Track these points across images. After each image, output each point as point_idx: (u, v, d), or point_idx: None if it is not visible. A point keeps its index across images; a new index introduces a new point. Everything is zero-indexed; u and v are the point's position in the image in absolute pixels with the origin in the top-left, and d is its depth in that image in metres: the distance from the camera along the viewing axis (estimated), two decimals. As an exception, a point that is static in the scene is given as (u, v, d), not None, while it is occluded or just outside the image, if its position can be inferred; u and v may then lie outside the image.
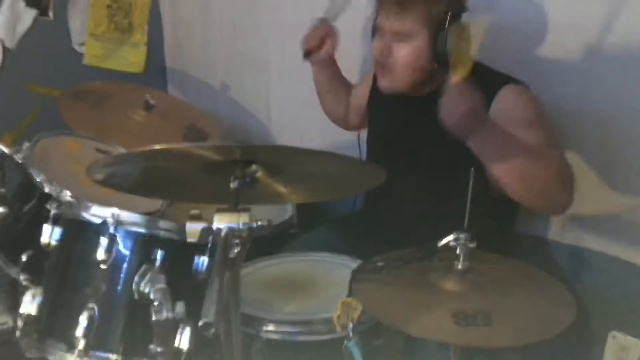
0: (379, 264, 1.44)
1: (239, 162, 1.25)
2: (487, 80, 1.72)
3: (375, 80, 1.91)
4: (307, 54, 2.08)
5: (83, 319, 1.42)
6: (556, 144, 1.71)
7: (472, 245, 1.36)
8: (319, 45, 2.07)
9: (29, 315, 1.48)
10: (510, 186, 1.55)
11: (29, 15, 2.78)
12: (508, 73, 1.79)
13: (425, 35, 1.71)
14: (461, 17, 1.73)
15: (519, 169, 1.53)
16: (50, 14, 2.85)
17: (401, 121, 1.90)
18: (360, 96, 2.12)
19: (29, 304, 1.49)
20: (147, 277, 1.44)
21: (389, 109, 1.94)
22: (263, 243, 1.71)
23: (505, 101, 1.69)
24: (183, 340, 1.40)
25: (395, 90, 1.81)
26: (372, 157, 2.04)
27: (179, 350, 1.40)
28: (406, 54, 1.74)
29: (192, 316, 1.42)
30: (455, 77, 1.49)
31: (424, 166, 1.84)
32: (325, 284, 1.68)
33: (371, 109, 2.07)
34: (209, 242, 1.37)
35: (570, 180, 1.61)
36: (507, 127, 1.57)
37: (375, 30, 1.80)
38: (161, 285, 1.42)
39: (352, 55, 2.29)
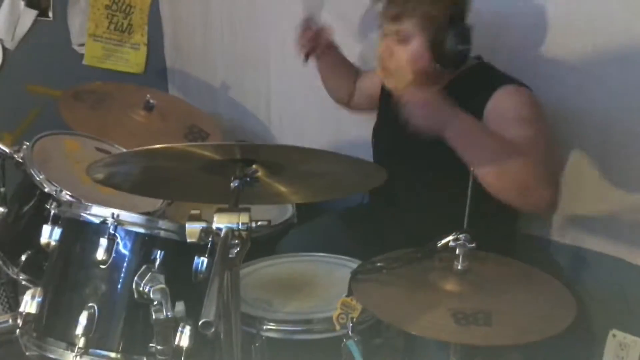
0: (379, 264, 1.44)
1: (239, 162, 1.25)
2: (487, 80, 1.74)
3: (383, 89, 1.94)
4: (306, 57, 2.11)
5: (83, 318, 1.42)
6: (550, 145, 1.71)
7: (471, 245, 1.36)
8: (313, 45, 2.10)
9: (28, 314, 1.48)
10: (486, 179, 1.55)
11: (29, 16, 2.79)
12: (508, 73, 1.80)
13: (425, 37, 1.71)
14: (464, 17, 1.74)
15: (494, 161, 1.55)
16: (50, 15, 2.86)
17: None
18: (370, 85, 2.13)
19: (29, 303, 1.49)
20: (147, 276, 1.44)
21: (396, 105, 1.95)
22: (263, 243, 1.72)
23: (499, 98, 1.70)
24: (183, 339, 1.40)
25: (400, 90, 1.81)
26: (377, 150, 2.05)
27: (178, 349, 1.40)
28: (407, 56, 1.75)
29: (191, 315, 1.42)
30: (399, 91, 1.64)
31: (428, 163, 1.84)
32: (325, 284, 1.68)
33: (381, 102, 2.08)
34: (209, 242, 1.37)
35: (552, 181, 1.63)
36: (498, 122, 1.61)
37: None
38: (161, 284, 1.42)
39: (349, 50, 2.29)
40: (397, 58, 1.76)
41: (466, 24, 1.73)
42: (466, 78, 1.80)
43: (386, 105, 2.04)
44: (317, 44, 2.10)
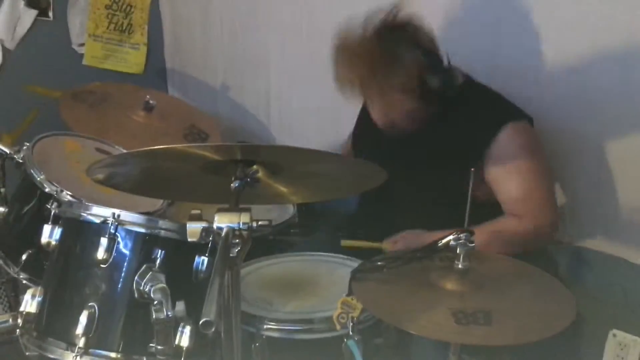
0: (380, 263, 1.44)
1: (239, 162, 1.25)
2: (487, 117, 1.76)
3: (363, 110, 1.97)
4: None
5: (83, 318, 1.42)
6: (548, 181, 1.79)
7: (472, 244, 1.36)
8: None
9: (29, 314, 1.48)
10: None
11: (29, 16, 2.79)
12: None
13: (411, 99, 1.73)
14: (440, 58, 1.73)
15: (493, 249, 1.61)
16: (50, 15, 2.86)
17: (393, 137, 1.91)
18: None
19: (29, 303, 1.49)
20: (148, 276, 1.44)
21: (376, 136, 1.96)
22: (264, 243, 1.72)
23: (502, 145, 1.73)
24: (183, 339, 1.40)
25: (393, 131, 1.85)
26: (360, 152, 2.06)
27: (179, 349, 1.40)
28: (400, 116, 1.78)
29: (192, 315, 1.42)
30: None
31: (423, 168, 1.84)
32: (325, 283, 1.69)
33: (358, 135, 2.10)
34: (210, 241, 1.37)
35: (552, 220, 1.77)
36: (500, 172, 1.72)
37: None
38: (161, 284, 1.42)
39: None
40: (392, 117, 1.79)
41: (441, 66, 1.72)
42: (460, 101, 1.78)
43: (364, 141, 2.06)
44: None
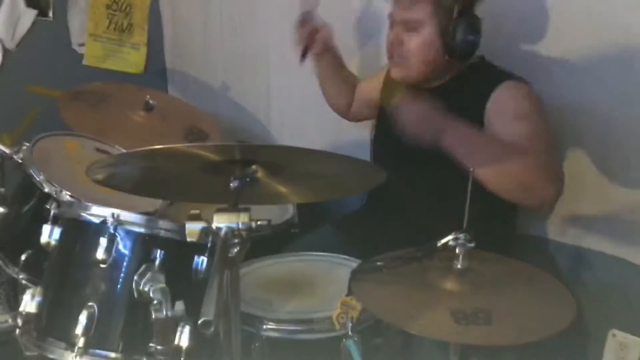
0: (379, 263, 1.44)
1: (239, 162, 1.25)
2: (488, 77, 1.75)
3: (387, 75, 1.93)
4: (303, 55, 2.09)
5: (83, 318, 1.42)
6: (549, 141, 1.71)
7: (471, 245, 1.36)
8: (310, 41, 2.08)
9: (28, 314, 1.48)
10: (487, 180, 1.57)
11: (28, 16, 2.79)
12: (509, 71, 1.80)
13: (435, 26, 1.72)
14: (473, 8, 1.73)
15: (492, 163, 1.56)
16: (50, 15, 2.86)
17: None
18: (370, 90, 2.13)
19: (29, 303, 1.49)
20: (147, 276, 1.44)
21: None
22: (264, 243, 1.72)
23: (500, 95, 1.71)
24: (183, 338, 1.40)
25: (407, 80, 1.83)
26: (377, 152, 2.05)
27: (178, 349, 1.40)
28: (417, 45, 1.75)
29: (191, 315, 1.42)
30: (395, 101, 1.63)
31: (429, 164, 1.84)
32: (325, 283, 1.69)
33: (381, 105, 2.08)
34: (209, 241, 1.37)
35: (554, 176, 1.63)
36: (499, 119, 1.64)
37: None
38: (161, 284, 1.42)
39: (348, 50, 2.29)
40: (407, 47, 1.77)
41: (476, 15, 1.73)
42: (468, 74, 1.80)
43: (386, 107, 2.05)
44: (314, 40, 2.08)
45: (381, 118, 2.06)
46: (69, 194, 1.73)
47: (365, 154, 2.07)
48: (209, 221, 1.18)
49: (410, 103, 1.60)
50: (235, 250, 1.16)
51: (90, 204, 1.55)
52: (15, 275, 1.80)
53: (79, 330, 1.41)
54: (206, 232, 1.20)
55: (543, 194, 1.63)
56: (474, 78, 1.79)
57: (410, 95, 1.69)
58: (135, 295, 1.45)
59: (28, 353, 1.49)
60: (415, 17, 1.73)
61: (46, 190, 1.75)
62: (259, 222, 1.20)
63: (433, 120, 1.56)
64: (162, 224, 1.51)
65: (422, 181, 1.85)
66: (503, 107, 1.69)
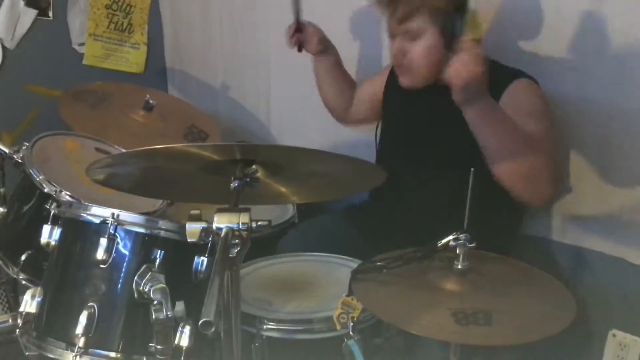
0: (379, 263, 1.44)
1: (239, 162, 1.25)
2: (500, 74, 1.74)
3: (392, 74, 1.94)
4: (299, 50, 2.14)
5: (83, 318, 1.42)
6: (556, 140, 1.74)
7: (471, 245, 1.36)
8: (300, 37, 2.12)
9: (28, 314, 1.48)
10: (498, 163, 1.58)
11: (29, 16, 2.79)
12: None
13: (435, 31, 1.72)
14: (467, 5, 1.73)
15: (508, 148, 1.57)
16: (50, 14, 2.85)
17: (416, 111, 1.91)
18: (373, 89, 2.13)
19: (29, 303, 1.49)
20: (147, 276, 1.44)
21: (404, 101, 1.95)
22: (264, 243, 1.72)
23: (515, 92, 1.72)
24: (183, 339, 1.40)
25: (417, 85, 1.83)
26: (384, 150, 2.05)
27: (178, 349, 1.40)
28: (421, 52, 1.76)
29: (191, 315, 1.42)
30: (469, 36, 1.53)
31: (436, 159, 1.84)
32: (325, 283, 1.69)
33: (386, 103, 2.08)
34: (209, 242, 1.37)
35: (558, 176, 1.68)
36: (513, 114, 1.61)
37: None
38: (161, 284, 1.42)
39: (348, 51, 2.29)
40: (412, 56, 1.77)
41: (474, 9, 1.72)
42: None
43: (392, 103, 2.05)
44: (305, 38, 2.10)
45: (388, 117, 2.06)
46: (69, 194, 1.73)
47: (365, 154, 2.07)
48: (209, 221, 1.18)
49: (474, 53, 1.51)
50: (236, 250, 1.16)
51: (90, 204, 1.55)
52: (15, 276, 1.80)
53: (79, 330, 1.41)
54: (206, 232, 1.20)
55: (545, 191, 1.65)
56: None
57: (474, 46, 1.62)
58: (135, 295, 1.45)
59: (28, 353, 1.49)
60: (414, 27, 1.74)
61: (46, 190, 1.75)
62: (259, 222, 1.19)
63: (481, 81, 1.51)
64: (162, 224, 1.51)
65: (429, 180, 1.85)
66: (516, 104, 1.69)
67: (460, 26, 1.66)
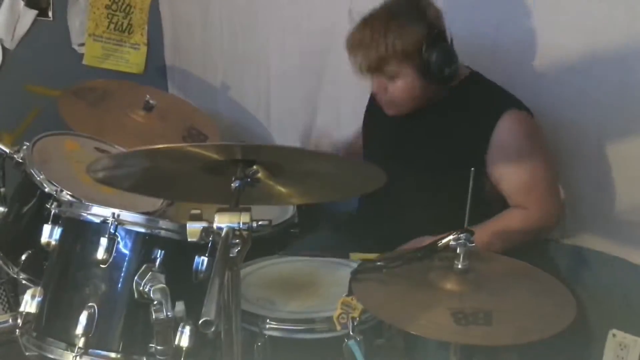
0: (379, 263, 1.44)
1: (239, 162, 1.25)
2: (489, 105, 1.78)
3: (371, 98, 2.00)
4: None
5: (83, 318, 1.42)
6: (551, 171, 1.81)
7: (471, 244, 1.36)
8: None
9: (28, 314, 1.48)
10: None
11: (28, 16, 2.78)
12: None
13: (410, 69, 1.75)
14: (445, 36, 1.74)
15: (510, 245, 1.74)
16: (50, 15, 2.85)
17: (400, 126, 1.93)
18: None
19: (29, 303, 1.49)
20: (147, 276, 1.44)
21: (384, 124, 1.97)
22: (264, 243, 1.71)
23: (503, 132, 1.76)
24: (183, 339, 1.40)
25: (403, 114, 1.88)
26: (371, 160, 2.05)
27: (178, 349, 1.40)
28: (400, 89, 1.80)
29: (192, 315, 1.42)
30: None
31: (423, 168, 1.85)
32: (326, 283, 1.69)
33: (366, 128, 2.11)
34: (210, 241, 1.37)
35: (557, 207, 1.82)
36: (502, 157, 1.74)
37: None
38: (161, 284, 1.42)
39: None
40: (392, 93, 1.82)
41: (444, 43, 1.74)
42: (464, 92, 1.83)
43: (374, 124, 2.07)
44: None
45: (369, 141, 2.09)
46: (69, 193, 1.73)
47: (365, 154, 2.08)
48: (210, 221, 1.18)
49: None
50: (236, 250, 1.16)
51: (90, 203, 1.55)
52: (15, 276, 1.80)
53: (79, 330, 1.41)
54: (207, 232, 1.20)
55: (545, 231, 1.88)
56: (472, 93, 1.82)
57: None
58: (136, 295, 1.45)
59: (28, 353, 1.49)
60: (389, 70, 1.77)
61: (46, 190, 1.75)
62: (259, 222, 1.19)
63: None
64: (163, 223, 1.51)
65: (419, 183, 1.86)
66: (507, 144, 1.75)
67: (438, 61, 1.68)
